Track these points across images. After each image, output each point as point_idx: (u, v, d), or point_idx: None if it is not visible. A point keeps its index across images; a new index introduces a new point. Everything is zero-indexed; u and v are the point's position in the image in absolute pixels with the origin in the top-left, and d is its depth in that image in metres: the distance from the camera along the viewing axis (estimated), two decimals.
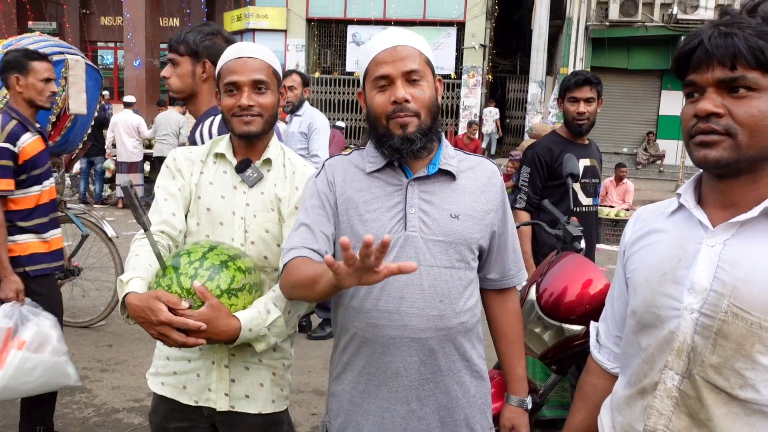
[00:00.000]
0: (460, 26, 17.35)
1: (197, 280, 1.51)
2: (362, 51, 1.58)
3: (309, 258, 1.49)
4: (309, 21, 18.31)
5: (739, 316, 1.07)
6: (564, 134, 3.25)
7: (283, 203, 1.78)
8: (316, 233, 1.54)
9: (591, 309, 2.16)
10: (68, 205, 4.83)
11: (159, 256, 1.55)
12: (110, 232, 4.75)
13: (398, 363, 1.51)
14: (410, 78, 1.49)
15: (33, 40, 4.19)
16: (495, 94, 18.80)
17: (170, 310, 1.46)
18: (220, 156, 1.83)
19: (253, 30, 18.18)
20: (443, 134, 1.64)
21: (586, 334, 2.19)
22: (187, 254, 1.58)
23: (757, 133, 1.07)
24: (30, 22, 22.81)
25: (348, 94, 18.06)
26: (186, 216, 1.81)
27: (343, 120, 13.90)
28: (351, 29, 18.22)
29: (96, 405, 3.60)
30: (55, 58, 3.98)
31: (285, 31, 18.17)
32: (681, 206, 1.22)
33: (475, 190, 1.58)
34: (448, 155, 1.59)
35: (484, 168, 1.63)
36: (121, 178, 9.94)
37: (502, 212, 1.63)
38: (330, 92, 18.48)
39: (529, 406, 1.73)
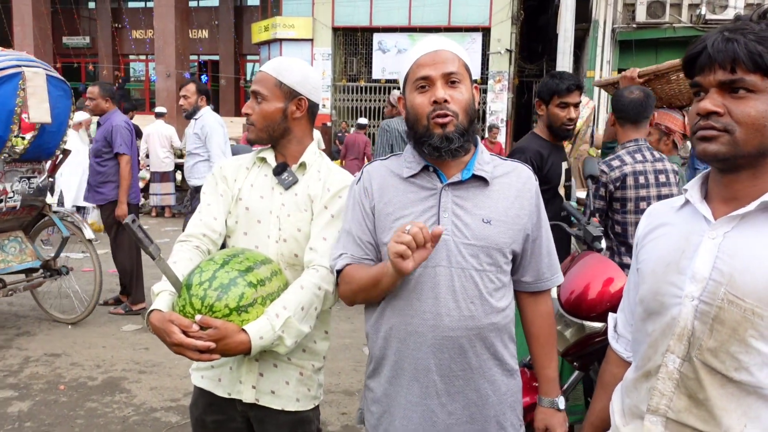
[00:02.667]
0: (486, 31, 17.39)
1: (198, 315, 1.60)
2: (404, 57, 1.67)
3: (359, 264, 1.63)
4: (335, 30, 18.51)
5: (734, 303, 1.15)
6: (546, 137, 3.11)
7: (315, 202, 1.87)
8: (359, 240, 1.67)
9: (611, 306, 2.21)
10: (54, 209, 5.15)
11: (173, 280, 1.67)
12: (88, 234, 5.01)
13: (429, 359, 1.58)
14: (450, 80, 1.57)
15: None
16: (522, 98, 18.78)
17: (184, 331, 1.58)
18: (262, 160, 1.95)
19: (281, 40, 18.45)
20: (479, 140, 1.70)
21: (607, 331, 2.25)
22: (200, 273, 1.67)
23: (754, 130, 1.15)
24: (64, 37, 23.45)
25: (374, 101, 18.20)
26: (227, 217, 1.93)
27: (370, 126, 14.02)
28: (377, 37, 18.37)
29: (135, 404, 3.74)
30: (11, 71, 4.24)
31: (311, 40, 18.40)
32: (687, 201, 1.30)
33: (509, 195, 1.63)
34: (483, 161, 1.65)
35: (519, 173, 1.67)
36: (155, 196, 10.27)
37: (536, 217, 1.67)
38: (356, 100, 18.65)
39: (561, 406, 1.75)
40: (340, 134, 14.56)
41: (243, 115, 2.00)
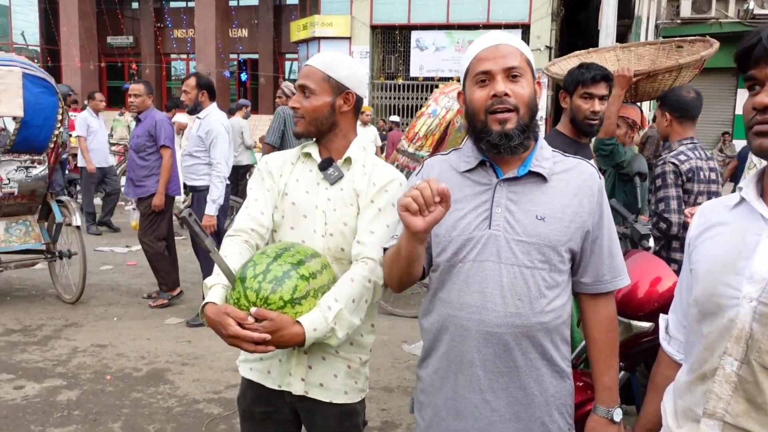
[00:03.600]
0: (525, 28, 17.23)
1: (253, 308, 1.62)
2: (465, 54, 1.66)
3: None
4: (373, 28, 18.55)
5: None
6: (569, 134, 2.94)
7: (361, 197, 1.88)
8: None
9: (660, 306, 2.17)
10: (58, 198, 5.53)
11: (227, 273, 1.69)
12: (75, 221, 5.38)
13: (473, 354, 1.58)
14: (510, 74, 1.55)
15: None
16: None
17: (239, 323, 1.60)
18: (307, 155, 1.97)
19: (319, 38, 18.57)
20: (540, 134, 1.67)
21: (655, 331, 2.21)
22: (253, 266, 1.69)
23: None
24: (109, 37, 23.98)
25: (412, 99, 18.18)
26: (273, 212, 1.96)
27: (404, 124, 14.01)
28: (414, 35, 18.36)
29: (178, 396, 3.81)
30: None
31: (349, 38, 18.47)
32: (742, 199, 1.26)
33: (567, 192, 1.59)
34: (543, 156, 1.62)
35: (580, 170, 1.63)
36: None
37: (598, 216, 1.62)
38: (394, 97, 18.65)
39: (617, 418, 1.66)
40: (380, 132, 14.60)
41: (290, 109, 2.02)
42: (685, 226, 2.55)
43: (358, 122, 7.77)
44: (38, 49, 23.31)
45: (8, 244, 5.25)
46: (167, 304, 5.49)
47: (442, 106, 4.89)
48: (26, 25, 22.78)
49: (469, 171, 1.65)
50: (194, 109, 5.06)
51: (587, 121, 2.83)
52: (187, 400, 3.76)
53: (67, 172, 9.36)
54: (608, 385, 1.68)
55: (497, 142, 1.55)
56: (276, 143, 6.57)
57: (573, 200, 1.59)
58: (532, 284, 1.55)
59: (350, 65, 1.93)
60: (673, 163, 2.92)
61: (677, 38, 3.78)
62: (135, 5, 24.72)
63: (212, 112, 5.02)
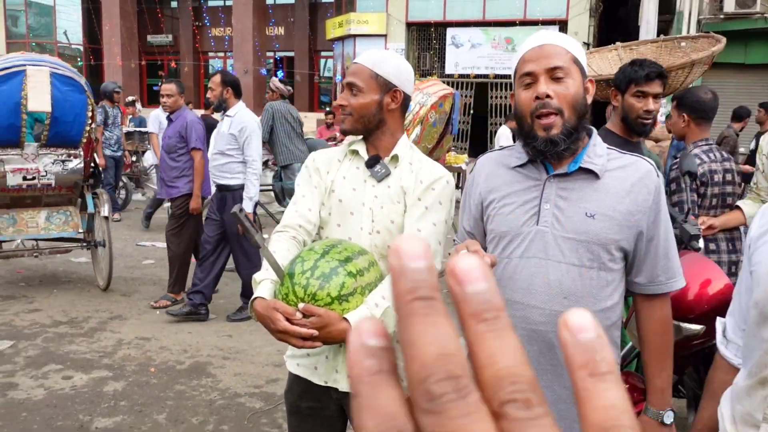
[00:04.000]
0: (563, 24, 17.00)
1: (301, 303, 1.65)
2: (514, 55, 1.66)
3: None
4: (408, 25, 18.52)
5: None
6: (620, 132, 2.87)
7: (408, 194, 1.89)
8: (461, 231, 1.75)
9: (710, 309, 2.14)
10: (96, 191, 5.92)
11: (276, 268, 1.72)
12: (103, 212, 5.73)
13: None
14: (554, 75, 1.53)
15: (12, 56, 5.47)
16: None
17: (287, 318, 1.63)
18: (354, 153, 1.98)
19: (354, 36, 18.61)
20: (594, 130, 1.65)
21: (705, 334, 2.17)
22: (301, 262, 1.71)
23: None
24: (149, 36, 24.40)
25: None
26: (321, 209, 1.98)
27: None
28: (450, 32, 18.26)
29: (221, 389, 3.87)
30: (16, 69, 5.12)
31: (385, 35, 18.47)
32: None
33: (620, 190, 1.56)
34: (595, 153, 1.60)
35: (636, 168, 1.59)
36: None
37: (654, 215, 1.58)
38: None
39: (668, 421, 1.65)
40: None
41: (335, 107, 2.03)
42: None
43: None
44: (81, 47, 23.84)
45: (47, 232, 5.67)
46: (168, 306, 5.32)
47: (416, 102, 4.94)
48: (69, 24, 23.32)
49: (520, 166, 1.65)
50: (219, 107, 5.03)
51: (640, 120, 2.77)
52: (229, 393, 3.82)
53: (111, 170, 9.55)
54: (660, 387, 1.66)
55: (542, 149, 1.55)
56: (265, 138, 6.68)
57: (626, 198, 1.56)
58: (579, 283, 1.54)
59: (398, 63, 1.93)
60: None
61: (678, 36, 3.73)
62: (174, 4, 25.11)
63: (241, 109, 4.98)
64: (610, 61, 3.65)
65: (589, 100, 1.60)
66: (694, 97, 3.10)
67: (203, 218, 5.43)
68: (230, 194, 4.98)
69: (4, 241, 5.67)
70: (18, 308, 5.23)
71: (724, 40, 3.42)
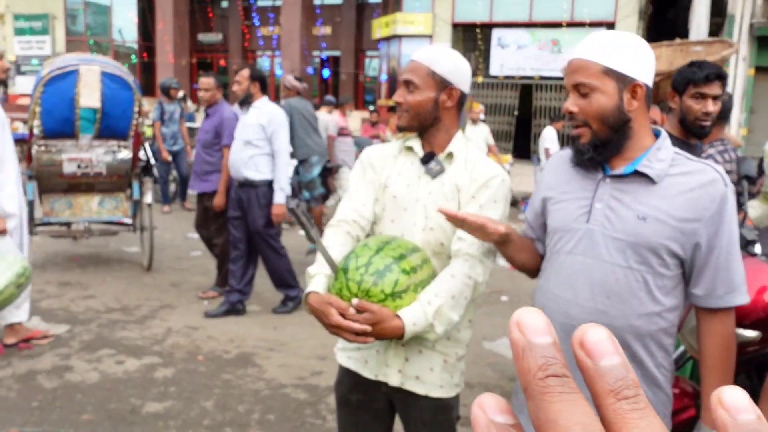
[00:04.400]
0: (610, 27, 16.72)
1: (355, 299, 1.69)
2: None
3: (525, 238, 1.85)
4: (454, 26, 18.47)
5: None
6: (678, 134, 2.83)
7: (462, 192, 1.90)
8: (528, 230, 1.85)
9: (766, 315, 2.11)
10: (143, 180, 6.42)
11: (331, 263, 1.76)
12: (146, 199, 6.26)
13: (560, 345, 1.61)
14: (579, 91, 1.56)
15: (68, 56, 5.96)
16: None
17: (341, 313, 1.67)
18: (409, 149, 2.01)
19: (400, 36, 18.65)
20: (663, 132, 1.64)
21: (762, 341, 2.14)
22: (356, 257, 1.74)
23: None
24: (199, 34, 24.89)
25: (491, 97, 17.99)
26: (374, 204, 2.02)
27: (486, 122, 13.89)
28: (496, 33, 18.15)
29: (266, 379, 3.96)
30: (70, 68, 5.48)
31: (431, 36, 18.46)
32: None
33: (679, 196, 1.54)
34: (656, 158, 1.57)
35: (702, 175, 1.55)
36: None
37: (715, 226, 1.53)
38: (473, 96, 18.50)
39: None
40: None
41: (393, 103, 2.06)
42: None
43: (468, 121, 7.93)
44: (135, 45, 24.47)
45: (99, 215, 6.25)
46: (215, 297, 5.48)
47: None
48: (125, 23, 23.95)
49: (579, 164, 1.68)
50: (244, 101, 5.00)
51: (699, 122, 2.74)
52: (274, 384, 3.90)
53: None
54: None
55: (574, 155, 1.63)
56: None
57: (685, 205, 1.53)
58: (624, 284, 1.53)
59: (455, 61, 1.94)
60: None
61: (693, 41, 3.65)
62: (225, 4, 25.54)
63: (267, 102, 4.95)
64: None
65: (635, 105, 1.55)
66: None
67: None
68: (255, 191, 4.90)
69: (61, 223, 6.12)
70: (74, 294, 5.43)
71: (736, 45, 3.36)
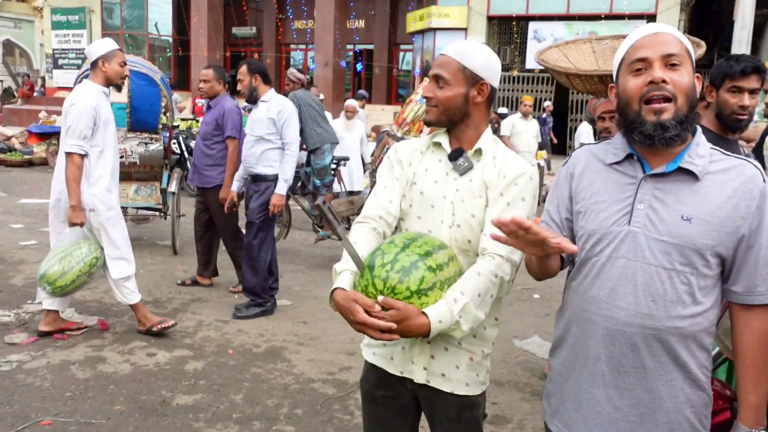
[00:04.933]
0: (651, 19, 16.37)
1: (380, 296, 1.65)
2: (620, 46, 1.63)
3: None
4: (490, 19, 18.30)
5: None
6: (715, 129, 2.81)
7: (490, 189, 1.86)
8: (549, 222, 1.73)
9: None
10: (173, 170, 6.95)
11: (357, 260, 1.72)
12: (171, 188, 6.69)
13: (600, 349, 1.55)
14: (669, 62, 1.49)
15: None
16: None
17: (366, 311, 1.64)
18: (437, 145, 1.97)
19: (435, 29, 18.56)
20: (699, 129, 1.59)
21: None
22: (381, 255, 1.71)
23: None
24: (233, 28, 25.12)
25: (527, 91, 17.78)
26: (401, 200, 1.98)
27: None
28: (532, 26, 17.94)
29: (295, 374, 3.96)
30: None
31: (465, 29, 18.32)
32: None
33: (721, 194, 1.50)
34: (697, 154, 1.54)
35: (741, 171, 1.52)
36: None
37: (757, 222, 1.50)
38: (508, 90, 18.33)
39: None
40: (492, 125, 14.38)
41: (422, 98, 2.02)
42: None
43: (518, 115, 7.98)
44: (170, 39, 24.81)
45: (134, 201, 6.85)
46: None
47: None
48: (160, 17, 24.33)
49: (616, 163, 1.60)
50: (250, 97, 4.93)
51: (735, 116, 2.70)
52: (303, 378, 3.90)
53: None
54: (755, 404, 1.56)
55: (651, 133, 1.49)
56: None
57: (727, 203, 1.49)
58: (669, 287, 1.49)
59: (486, 56, 1.90)
60: None
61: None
62: None
63: (275, 95, 4.90)
64: (584, 53, 3.47)
65: (698, 94, 1.54)
66: None
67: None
68: (266, 185, 4.87)
69: None
70: (107, 287, 5.46)
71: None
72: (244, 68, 4.93)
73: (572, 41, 3.56)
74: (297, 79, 7.42)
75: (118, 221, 4.29)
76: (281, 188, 4.84)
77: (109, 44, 4.35)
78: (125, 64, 4.42)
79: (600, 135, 3.33)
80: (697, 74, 1.55)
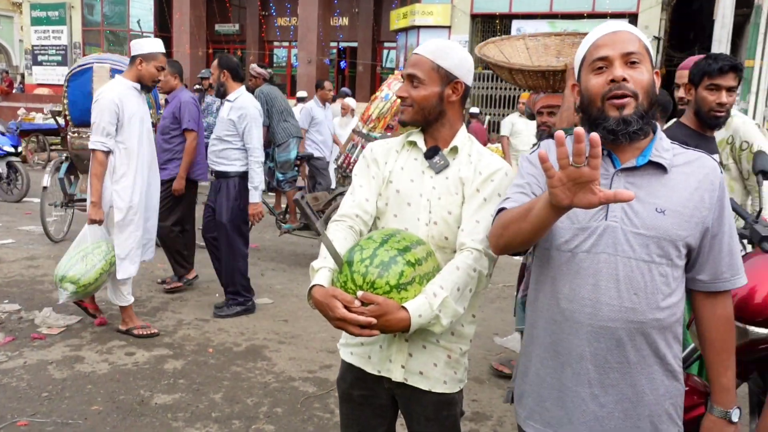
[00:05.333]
0: (633, 18, 16.48)
1: (360, 291, 1.65)
2: (581, 44, 1.65)
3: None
4: (473, 17, 18.32)
5: None
6: (693, 126, 2.89)
7: (466, 186, 1.87)
8: (525, 191, 1.64)
9: None
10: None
11: (335, 255, 1.72)
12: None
13: (584, 347, 1.56)
14: (629, 60, 1.53)
15: (87, 57, 6.32)
16: (670, 89, 17.67)
17: (346, 306, 1.64)
18: (412, 144, 1.98)
19: (418, 27, 18.53)
20: (658, 126, 1.62)
21: None
22: (360, 250, 1.72)
23: None
24: (216, 25, 24.95)
25: (509, 89, 17.84)
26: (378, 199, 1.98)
27: (488, 114, 13.78)
28: (515, 24, 17.96)
29: (275, 372, 3.95)
30: (86, 66, 5.82)
31: (449, 27, 18.33)
32: None
33: (689, 185, 1.55)
34: (662, 148, 1.58)
35: (701, 163, 1.58)
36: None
37: (718, 211, 1.57)
38: (491, 88, 18.36)
39: (735, 418, 1.62)
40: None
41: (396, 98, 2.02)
42: None
43: (517, 114, 8.07)
44: (152, 36, 24.59)
45: None
46: (182, 288, 5.49)
47: (394, 91, 5.04)
48: (142, 13, 24.07)
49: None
50: (218, 91, 4.94)
51: (713, 113, 2.78)
52: (283, 377, 3.89)
53: None
54: (726, 386, 1.63)
55: (614, 128, 1.52)
56: (266, 123, 6.91)
57: (694, 194, 1.54)
58: (648, 279, 1.52)
59: (460, 54, 1.91)
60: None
61: (582, 33, 3.49)
62: None
63: (242, 95, 4.85)
64: (517, 49, 3.51)
65: (657, 91, 1.57)
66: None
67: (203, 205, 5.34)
68: (225, 182, 4.86)
69: (83, 200, 6.36)
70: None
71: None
72: (215, 63, 4.97)
73: (507, 38, 3.59)
74: (257, 74, 7.42)
75: (134, 220, 4.26)
76: (254, 197, 4.86)
77: (156, 45, 4.37)
78: (163, 69, 4.41)
79: (539, 128, 3.36)
80: (656, 70, 1.59)
